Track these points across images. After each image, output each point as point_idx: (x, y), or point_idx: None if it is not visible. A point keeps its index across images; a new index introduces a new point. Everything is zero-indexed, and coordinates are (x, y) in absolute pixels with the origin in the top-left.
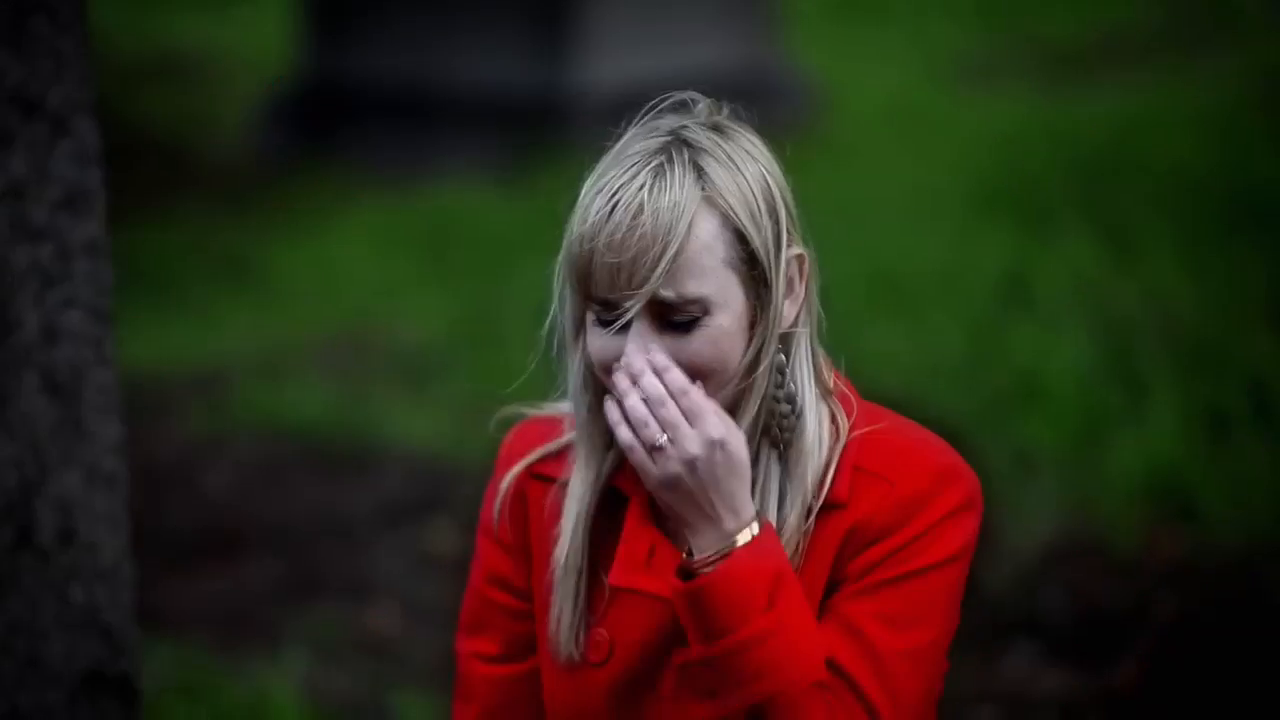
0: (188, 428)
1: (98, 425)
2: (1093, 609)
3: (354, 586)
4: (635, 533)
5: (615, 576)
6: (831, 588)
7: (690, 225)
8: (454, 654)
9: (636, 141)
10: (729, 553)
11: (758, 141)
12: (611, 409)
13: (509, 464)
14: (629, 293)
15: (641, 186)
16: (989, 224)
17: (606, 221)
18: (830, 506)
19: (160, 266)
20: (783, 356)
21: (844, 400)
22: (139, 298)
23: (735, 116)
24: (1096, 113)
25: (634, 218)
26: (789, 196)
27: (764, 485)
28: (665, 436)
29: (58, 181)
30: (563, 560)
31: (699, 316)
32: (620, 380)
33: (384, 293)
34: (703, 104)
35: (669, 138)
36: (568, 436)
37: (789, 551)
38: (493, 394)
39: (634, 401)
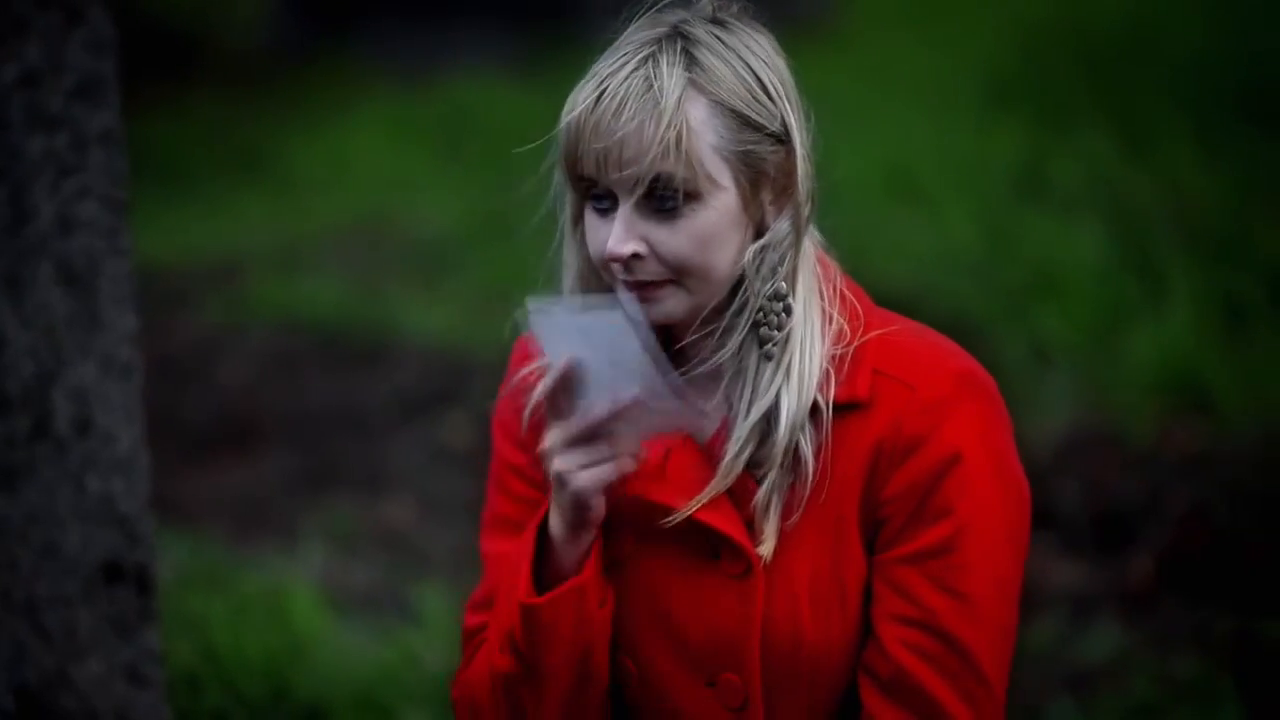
0: (203, 320)
1: (113, 315)
2: (1107, 502)
3: (370, 479)
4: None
5: (627, 485)
6: (869, 502)
7: (676, 108)
8: (479, 555)
9: (634, 34)
10: None
11: (763, 39)
12: None
13: (522, 363)
14: (615, 175)
15: (629, 74)
16: (1004, 116)
17: (594, 107)
18: (852, 406)
19: (175, 158)
20: (775, 254)
21: (850, 305)
22: (154, 189)
23: (744, 14)
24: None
25: (619, 102)
26: (793, 95)
27: (753, 383)
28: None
29: (72, 70)
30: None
31: (684, 203)
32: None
33: (399, 185)
34: (707, 1)
35: (666, 29)
36: None
37: (781, 449)
38: (507, 287)
39: None
